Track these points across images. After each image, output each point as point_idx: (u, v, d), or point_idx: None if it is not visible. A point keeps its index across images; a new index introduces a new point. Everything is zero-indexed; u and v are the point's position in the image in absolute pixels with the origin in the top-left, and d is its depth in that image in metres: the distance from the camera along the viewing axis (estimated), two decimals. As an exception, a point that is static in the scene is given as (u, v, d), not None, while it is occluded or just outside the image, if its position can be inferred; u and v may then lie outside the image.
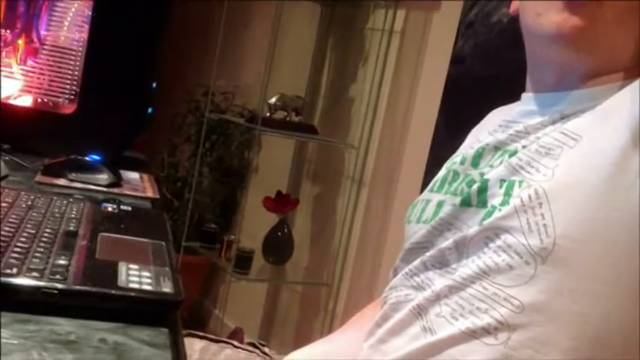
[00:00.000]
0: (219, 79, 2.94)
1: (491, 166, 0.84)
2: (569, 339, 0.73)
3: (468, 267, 0.78)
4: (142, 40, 1.45)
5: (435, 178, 0.95)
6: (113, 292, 0.64)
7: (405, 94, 2.28)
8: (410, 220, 0.93)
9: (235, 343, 1.16)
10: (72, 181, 1.20)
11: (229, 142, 3.19)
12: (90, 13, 1.43)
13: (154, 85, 1.55)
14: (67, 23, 1.46)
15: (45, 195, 0.95)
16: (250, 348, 1.15)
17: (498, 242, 0.76)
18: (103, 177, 1.21)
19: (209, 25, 3.03)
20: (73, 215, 0.87)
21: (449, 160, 0.97)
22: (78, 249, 0.74)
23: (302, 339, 2.56)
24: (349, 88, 2.57)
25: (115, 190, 1.20)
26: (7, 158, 1.28)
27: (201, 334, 1.14)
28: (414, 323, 0.82)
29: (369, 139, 2.41)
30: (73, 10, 1.46)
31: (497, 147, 0.86)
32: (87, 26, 1.44)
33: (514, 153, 0.81)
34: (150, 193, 1.24)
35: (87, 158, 1.24)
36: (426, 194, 0.93)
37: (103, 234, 0.81)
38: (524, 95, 0.92)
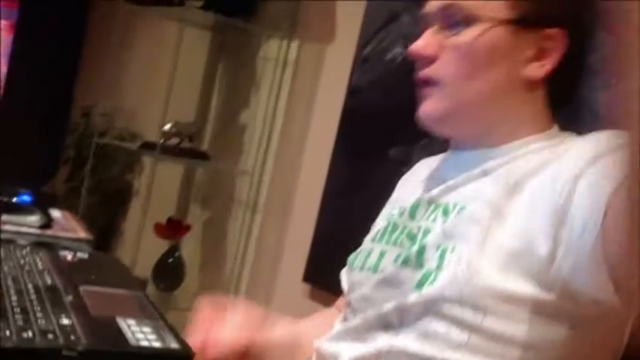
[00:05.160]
0: (100, 100, 2.87)
1: (427, 219, 0.92)
2: None
3: (407, 331, 0.85)
4: (57, 78, 1.42)
5: (376, 229, 1.03)
6: (129, 351, 0.66)
7: (300, 123, 2.36)
8: (354, 267, 0.99)
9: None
10: (3, 223, 1.16)
11: (112, 165, 3.11)
12: None
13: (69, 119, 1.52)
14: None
15: (-4, 243, 0.93)
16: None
17: (435, 310, 0.83)
18: (35, 218, 1.18)
19: (98, 45, 2.96)
20: (40, 267, 0.86)
21: (386, 211, 1.06)
22: (69, 306, 0.74)
23: (193, 365, 2.54)
24: (241, 115, 2.61)
25: (49, 232, 1.17)
26: None
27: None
28: None
29: (264, 166, 2.45)
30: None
31: (430, 201, 0.94)
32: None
33: (446, 208, 0.90)
34: (82, 234, 1.22)
35: (14, 199, 1.20)
36: (368, 244, 1.01)
37: (82, 287, 0.81)
38: (450, 151, 1.02)
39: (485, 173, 0.90)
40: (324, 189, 2.21)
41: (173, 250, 2.56)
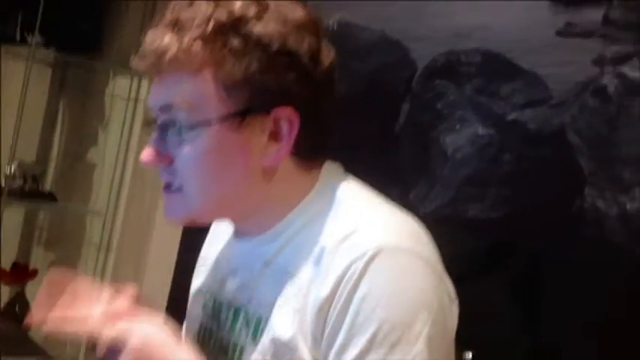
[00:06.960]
0: None
1: (233, 331, 0.91)
2: None
3: None
4: None
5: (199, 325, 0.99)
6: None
7: (154, 161, 2.35)
8: None
9: None
10: None
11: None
12: None
13: None
14: None
15: None
16: None
17: None
18: None
19: None
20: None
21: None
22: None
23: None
24: (89, 154, 2.55)
25: None
26: None
27: None
28: None
29: (116, 205, 2.41)
30: None
31: (229, 305, 0.93)
32: None
33: (248, 319, 0.89)
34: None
35: None
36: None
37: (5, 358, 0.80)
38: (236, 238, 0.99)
39: (266, 264, 0.90)
40: (184, 227, 2.21)
41: (19, 296, 2.43)
